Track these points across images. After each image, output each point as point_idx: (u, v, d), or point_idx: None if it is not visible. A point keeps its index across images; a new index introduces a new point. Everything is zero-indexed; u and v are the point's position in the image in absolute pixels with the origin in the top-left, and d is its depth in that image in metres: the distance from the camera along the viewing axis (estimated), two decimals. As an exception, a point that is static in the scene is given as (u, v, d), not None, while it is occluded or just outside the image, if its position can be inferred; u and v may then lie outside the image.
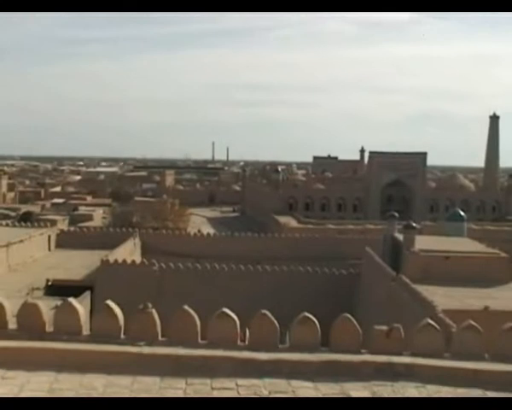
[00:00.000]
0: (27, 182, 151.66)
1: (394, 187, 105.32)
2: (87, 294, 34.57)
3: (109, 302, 10.66)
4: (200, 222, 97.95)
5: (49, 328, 10.43)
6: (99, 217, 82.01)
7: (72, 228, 58.99)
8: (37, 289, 37.08)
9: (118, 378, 8.94)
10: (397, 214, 43.33)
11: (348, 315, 10.41)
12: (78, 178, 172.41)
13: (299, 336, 10.02)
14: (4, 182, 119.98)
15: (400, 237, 37.15)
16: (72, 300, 10.68)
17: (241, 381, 8.97)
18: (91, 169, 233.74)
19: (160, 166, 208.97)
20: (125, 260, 39.22)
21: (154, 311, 10.52)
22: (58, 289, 36.79)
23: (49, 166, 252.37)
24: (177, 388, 8.80)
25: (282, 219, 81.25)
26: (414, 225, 37.16)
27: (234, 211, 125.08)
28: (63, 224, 69.60)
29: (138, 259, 44.97)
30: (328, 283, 38.49)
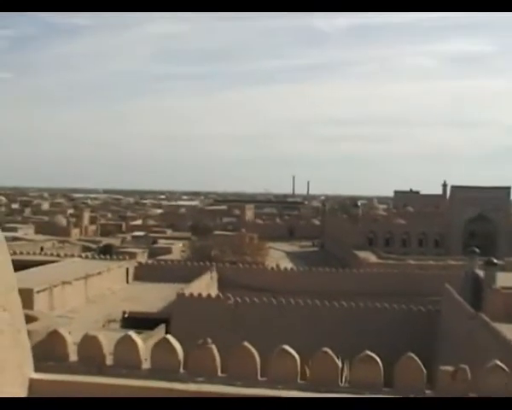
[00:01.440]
0: (109, 215, 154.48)
1: (477, 222, 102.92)
2: (162, 327, 34.57)
3: (169, 337, 10.40)
4: (278, 256, 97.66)
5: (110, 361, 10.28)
6: (178, 250, 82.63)
7: (150, 261, 59.46)
8: (114, 321, 37.36)
9: None
10: (478, 250, 42.09)
11: (412, 354, 9.90)
12: (160, 211, 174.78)
13: (360, 375, 9.58)
14: (86, 215, 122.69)
15: (481, 273, 36.06)
16: (131, 333, 10.46)
17: None
18: (172, 203, 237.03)
19: (240, 200, 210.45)
20: (200, 294, 39.18)
21: (213, 346, 10.23)
22: (134, 321, 37.00)
23: (132, 200, 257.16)
24: None
25: (362, 254, 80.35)
26: (495, 261, 36.03)
27: (313, 245, 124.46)
28: (142, 256, 70.36)
29: (215, 292, 44.91)
30: (406, 320, 37.51)
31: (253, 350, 10.04)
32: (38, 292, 34.95)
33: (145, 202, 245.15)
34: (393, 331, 36.14)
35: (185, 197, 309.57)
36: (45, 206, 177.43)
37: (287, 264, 75.89)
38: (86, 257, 53.10)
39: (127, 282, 49.27)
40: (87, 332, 10.52)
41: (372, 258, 79.41)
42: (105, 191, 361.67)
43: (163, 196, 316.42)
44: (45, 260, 48.00)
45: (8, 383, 7.95)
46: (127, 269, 49.91)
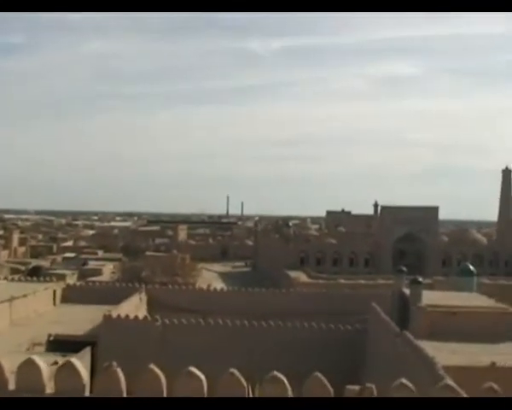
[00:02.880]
0: (40, 236, 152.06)
1: (407, 241, 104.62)
2: (88, 350, 34.09)
3: (73, 360, 10.23)
4: (211, 277, 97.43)
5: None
6: (108, 271, 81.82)
7: (78, 283, 58.64)
8: (39, 344, 36.63)
9: None
10: (405, 269, 42.82)
11: (318, 374, 9.92)
12: (92, 232, 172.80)
13: (266, 394, 9.56)
14: (16, 236, 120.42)
15: (408, 292, 36.59)
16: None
17: None
18: (105, 224, 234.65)
19: (173, 221, 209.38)
20: (127, 316, 38.73)
21: (118, 370, 10.09)
22: (60, 344, 36.38)
23: (64, 221, 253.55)
24: None
25: (293, 274, 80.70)
26: (420, 280, 36.63)
27: (246, 266, 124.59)
28: (72, 278, 69.51)
29: (144, 314, 44.46)
30: (333, 339, 37.76)
31: (159, 373, 9.93)
32: (-40, 316, 34.11)
33: (77, 223, 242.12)
34: (321, 350, 36.34)
35: (118, 218, 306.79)
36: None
37: (219, 284, 75.68)
38: (12, 279, 52.03)
39: (54, 304, 48.39)
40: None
41: (303, 277, 79.93)
42: (37, 212, 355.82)
43: (96, 217, 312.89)
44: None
45: None
46: (54, 291, 49.03)
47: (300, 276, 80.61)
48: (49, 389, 10.24)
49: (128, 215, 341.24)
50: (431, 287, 43.34)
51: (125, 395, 10.04)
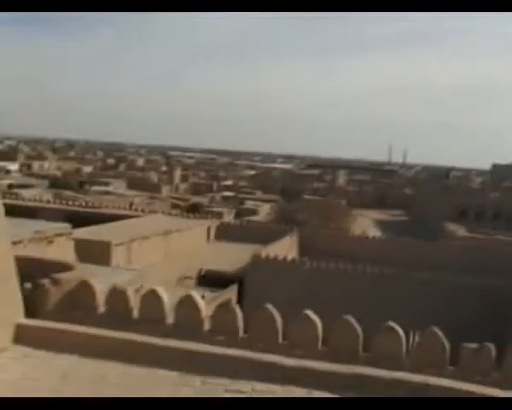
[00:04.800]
0: (202, 174, 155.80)
1: None
2: (235, 286, 34.74)
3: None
4: (366, 224, 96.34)
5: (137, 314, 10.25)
6: (264, 212, 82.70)
7: (232, 221, 59.74)
8: (189, 278, 37.72)
9: (134, 369, 8.62)
10: None
11: (435, 329, 9.42)
12: (252, 173, 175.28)
13: (381, 347, 9.21)
14: (178, 173, 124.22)
15: None
16: (158, 288, 10.37)
17: (259, 385, 8.34)
18: (266, 165, 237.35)
19: (333, 166, 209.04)
20: (276, 256, 39.05)
21: (237, 308, 10.06)
22: (209, 279, 37.36)
23: (226, 160, 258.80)
24: (189, 385, 8.35)
25: (451, 227, 78.45)
26: None
27: (404, 215, 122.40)
28: (229, 216, 70.80)
29: (294, 256, 44.74)
30: (480, 297, 36.31)
31: (276, 314, 9.81)
32: (117, 246, 35.58)
33: (239, 162, 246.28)
34: (464, 306, 35.12)
35: (280, 160, 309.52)
36: (140, 162, 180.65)
37: (374, 232, 74.81)
38: (169, 214, 53.69)
39: (208, 240, 49.62)
40: (115, 285, 10.50)
41: (461, 231, 77.39)
42: (201, 151, 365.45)
43: (258, 158, 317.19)
44: (129, 215, 48.79)
45: None
46: (209, 228, 50.25)
47: (458, 229, 78.14)
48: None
49: (290, 158, 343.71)
50: None
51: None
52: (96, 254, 31.36)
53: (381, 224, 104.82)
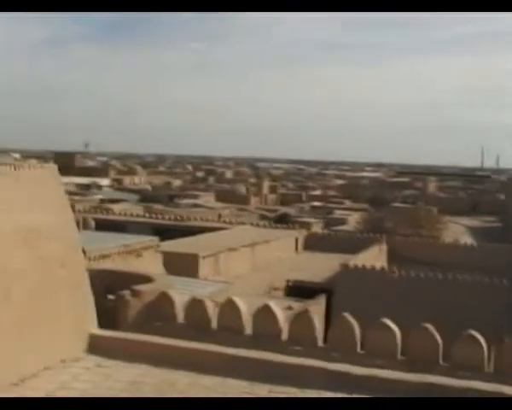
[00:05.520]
0: (290, 185, 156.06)
1: None
2: (323, 297, 34.48)
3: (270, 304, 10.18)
4: (458, 231, 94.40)
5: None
6: (353, 221, 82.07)
7: (320, 231, 59.56)
8: (277, 288, 37.72)
9: (204, 378, 8.58)
10: None
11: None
12: (341, 182, 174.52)
13: (461, 356, 8.90)
14: (266, 184, 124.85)
15: None
16: (236, 298, 10.33)
17: (329, 394, 8.13)
18: (355, 174, 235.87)
19: (423, 173, 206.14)
20: (364, 266, 38.62)
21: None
22: (297, 289, 37.26)
23: (314, 170, 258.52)
24: (254, 393, 8.27)
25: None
26: None
27: (497, 221, 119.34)
28: (317, 226, 70.57)
29: (383, 265, 44.15)
30: None
31: (353, 322, 9.62)
32: (204, 258, 35.91)
33: (328, 172, 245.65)
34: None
35: (368, 169, 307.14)
36: (229, 174, 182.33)
37: (466, 239, 73.15)
38: (257, 225, 53.93)
39: (296, 251, 49.57)
40: (194, 296, 10.52)
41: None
42: (289, 161, 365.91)
43: (346, 167, 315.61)
44: (217, 227, 49.24)
45: (65, 336, 8.08)
46: (297, 238, 50.22)
47: (555, 234, 75.72)
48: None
49: (378, 166, 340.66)
50: None
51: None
52: (183, 266, 31.74)
53: (474, 230, 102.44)
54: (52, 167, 9.98)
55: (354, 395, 7.98)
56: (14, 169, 8.43)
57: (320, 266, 43.48)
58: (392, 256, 49.93)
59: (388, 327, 9.42)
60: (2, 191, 8.23)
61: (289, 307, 26.89)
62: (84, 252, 23.55)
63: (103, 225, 40.92)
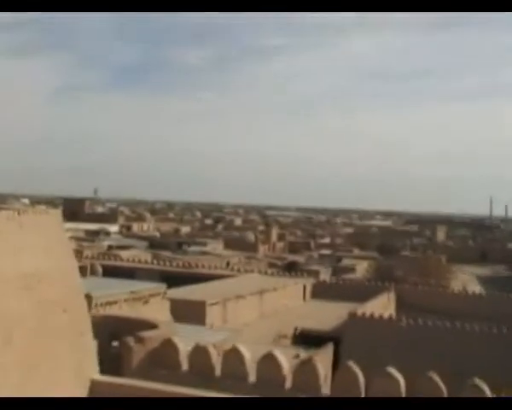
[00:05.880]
0: (299, 232, 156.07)
1: None
2: (330, 345, 34.29)
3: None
4: (467, 280, 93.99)
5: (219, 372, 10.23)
6: (362, 269, 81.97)
7: (328, 279, 59.43)
8: (285, 336, 37.57)
9: None
10: None
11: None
12: (349, 230, 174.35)
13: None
14: (275, 232, 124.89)
15: None
16: (240, 345, 10.33)
17: None
18: (364, 222, 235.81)
19: (432, 221, 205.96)
20: (372, 314, 38.45)
21: (357, 369, 9.91)
22: (304, 337, 37.15)
23: (323, 218, 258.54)
24: None
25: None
26: None
27: (507, 270, 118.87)
28: (326, 274, 70.43)
29: (391, 313, 43.93)
30: None
31: (356, 370, 9.61)
32: (211, 305, 35.84)
33: (337, 220, 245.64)
34: None
35: (378, 217, 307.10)
36: (238, 222, 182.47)
37: (475, 288, 72.82)
38: (265, 273, 53.92)
39: (304, 299, 49.46)
40: (197, 343, 10.53)
41: None
42: (298, 209, 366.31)
43: (356, 215, 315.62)
44: (225, 275, 49.22)
45: (67, 382, 8.09)
46: (304, 286, 50.17)
47: None
48: (288, 384, 10.33)
49: (388, 214, 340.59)
50: None
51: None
52: (190, 313, 31.68)
53: (483, 279, 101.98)
54: (56, 213, 10.07)
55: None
56: (18, 214, 8.56)
57: (328, 315, 43.34)
58: (401, 304, 49.72)
59: (392, 376, 9.40)
60: (6, 236, 8.34)
61: (297, 356, 26.77)
62: (90, 298, 23.63)
63: (111, 272, 40.94)
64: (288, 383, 10.04)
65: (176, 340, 10.53)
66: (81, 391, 8.46)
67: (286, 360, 10.47)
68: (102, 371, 10.07)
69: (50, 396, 7.95)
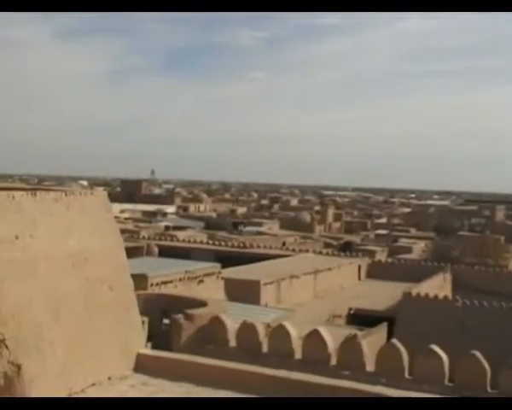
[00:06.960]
0: (355, 213, 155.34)
1: None
2: (384, 325, 34.27)
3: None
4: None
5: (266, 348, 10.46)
6: (419, 250, 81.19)
7: (383, 259, 59.18)
8: (339, 316, 37.64)
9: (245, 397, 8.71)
10: None
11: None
12: (407, 210, 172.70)
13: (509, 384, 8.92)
14: (331, 212, 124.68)
15: None
16: (286, 323, 10.54)
17: None
18: (422, 202, 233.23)
19: (492, 201, 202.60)
20: (427, 294, 38.27)
21: (363, 343, 10.07)
22: (358, 317, 37.14)
23: (381, 198, 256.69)
24: None
25: None
26: None
27: None
28: (381, 255, 70.05)
29: (447, 294, 43.62)
30: None
31: (402, 348, 9.74)
32: (265, 285, 36.14)
33: (394, 200, 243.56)
34: None
35: (436, 197, 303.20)
36: (294, 202, 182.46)
37: (536, 268, 71.54)
38: (320, 253, 53.97)
39: (359, 279, 49.44)
40: (245, 320, 10.77)
41: None
42: (354, 189, 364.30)
43: (413, 195, 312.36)
44: (280, 255, 49.46)
45: (113, 355, 8.39)
46: (359, 266, 50.10)
47: None
48: (333, 361, 10.53)
49: (446, 194, 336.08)
50: None
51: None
52: (245, 293, 32.00)
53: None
54: (102, 194, 10.40)
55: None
56: (66, 196, 8.90)
57: (382, 295, 43.25)
58: (457, 285, 49.30)
59: (436, 353, 9.50)
60: (54, 217, 8.69)
61: (352, 336, 26.89)
62: (146, 278, 24.12)
63: (167, 252, 41.59)
64: (333, 361, 10.22)
65: (224, 317, 10.81)
66: (127, 365, 8.80)
67: (331, 338, 10.64)
68: (153, 346, 10.44)
69: (55, 397, 8.32)
